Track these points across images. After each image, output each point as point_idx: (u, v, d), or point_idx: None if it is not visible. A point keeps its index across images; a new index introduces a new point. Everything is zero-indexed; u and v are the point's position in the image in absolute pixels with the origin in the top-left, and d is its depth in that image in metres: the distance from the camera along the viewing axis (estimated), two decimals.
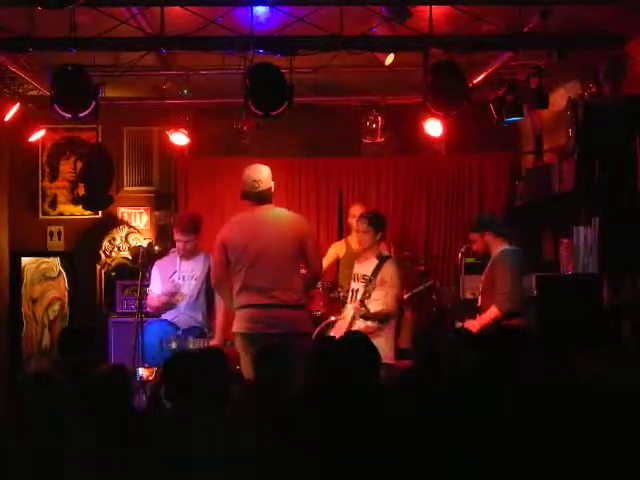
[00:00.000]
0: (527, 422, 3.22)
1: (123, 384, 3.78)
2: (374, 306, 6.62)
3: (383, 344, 6.33)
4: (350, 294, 6.90)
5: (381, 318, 6.65)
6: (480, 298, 6.44)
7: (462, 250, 7.04)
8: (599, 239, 6.48)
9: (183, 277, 6.51)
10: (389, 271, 6.74)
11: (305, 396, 3.61)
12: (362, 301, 6.60)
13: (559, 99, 7.47)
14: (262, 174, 5.82)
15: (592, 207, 6.71)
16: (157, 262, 6.83)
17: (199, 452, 3.25)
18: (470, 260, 7.56)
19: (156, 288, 6.61)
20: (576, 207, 7.03)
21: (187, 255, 6.55)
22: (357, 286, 6.82)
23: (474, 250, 6.60)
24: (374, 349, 4.04)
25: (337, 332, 6.57)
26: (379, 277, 6.70)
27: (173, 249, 6.82)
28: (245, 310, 5.69)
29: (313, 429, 3.28)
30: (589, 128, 6.62)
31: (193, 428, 3.34)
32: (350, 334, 5.40)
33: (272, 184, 5.87)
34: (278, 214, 5.87)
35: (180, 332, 6.38)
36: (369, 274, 6.73)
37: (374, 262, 6.80)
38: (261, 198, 5.78)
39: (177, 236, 6.53)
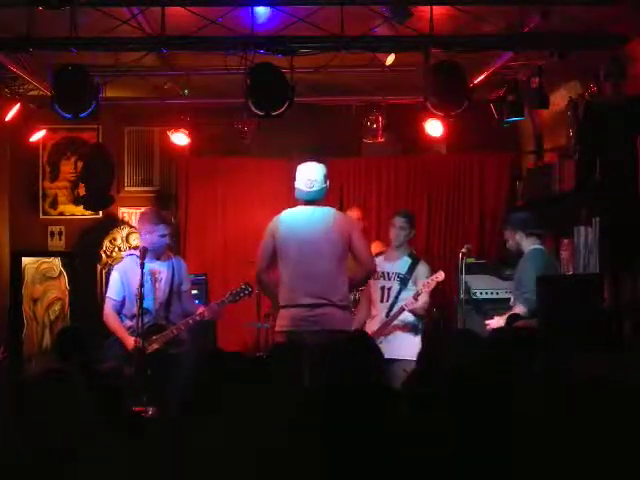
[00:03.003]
0: (528, 423, 3.22)
1: (121, 384, 3.78)
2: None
3: (418, 341, 6.58)
4: (380, 292, 6.79)
5: (423, 315, 6.75)
6: (512, 297, 6.43)
7: (462, 250, 7.02)
8: (599, 239, 6.48)
9: (151, 279, 6.17)
10: (423, 271, 6.77)
11: (310, 396, 3.61)
12: (416, 296, 6.58)
13: (559, 99, 7.47)
14: (318, 174, 5.74)
15: (592, 207, 6.72)
16: (116, 266, 6.45)
17: (200, 452, 3.25)
18: (471, 260, 7.55)
19: (116, 294, 6.20)
20: (576, 207, 7.04)
21: (159, 253, 6.20)
22: (390, 284, 6.74)
23: (509, 246, 6.51)
24: (378, 348, 4.05)
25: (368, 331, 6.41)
26: (413, 276, 6.72)
27: (128, 252, 6.59)
28: (290, 310, 5.64)
29: (317, 430, 3.28)
30: (589, 128, 6.63)
31: (193, 428, 3.34)
32: (353, 334, 5.42)
33: (327, 184, 5.78)
34: (326, 213, 5.78)
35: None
36: (403, 273, 6.73)
37: (407, 261, 6.79)
38: (313, 198, 5.73)
39: (163, 231, 6.12)
